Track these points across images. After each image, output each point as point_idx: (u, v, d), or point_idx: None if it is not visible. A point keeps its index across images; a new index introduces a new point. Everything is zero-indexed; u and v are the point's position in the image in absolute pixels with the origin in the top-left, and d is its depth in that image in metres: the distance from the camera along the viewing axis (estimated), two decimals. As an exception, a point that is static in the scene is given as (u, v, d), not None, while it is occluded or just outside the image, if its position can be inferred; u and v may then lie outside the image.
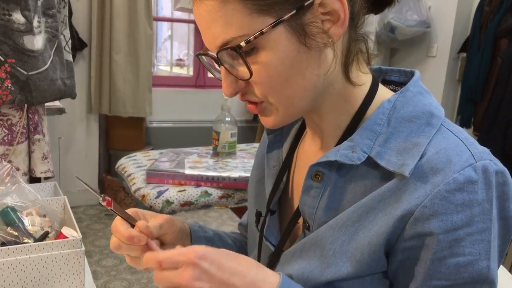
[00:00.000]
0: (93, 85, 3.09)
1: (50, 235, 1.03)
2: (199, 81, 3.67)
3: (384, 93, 0.65)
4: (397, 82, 0.70)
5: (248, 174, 1.39)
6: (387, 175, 0.58)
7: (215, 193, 1.38)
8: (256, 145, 1.91)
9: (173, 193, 1.34)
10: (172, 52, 3.82)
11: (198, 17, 0.58)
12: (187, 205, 1.34)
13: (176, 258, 0.54)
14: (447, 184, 0.53)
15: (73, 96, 1.40)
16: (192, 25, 3.69)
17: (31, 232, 1.01)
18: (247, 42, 0.54)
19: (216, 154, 1.60)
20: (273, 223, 0.73)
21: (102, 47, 3.05)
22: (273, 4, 0.54)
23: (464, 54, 3.14)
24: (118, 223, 0.65)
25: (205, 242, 0.80)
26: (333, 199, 0.62)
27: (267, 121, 0.64)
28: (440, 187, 0.54)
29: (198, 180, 1.38)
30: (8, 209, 1.02)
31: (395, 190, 0.56)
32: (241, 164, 1.48)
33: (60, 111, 2.04)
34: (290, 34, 0.55)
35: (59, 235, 0.95)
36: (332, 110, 0.64)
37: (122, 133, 3.28)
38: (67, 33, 1.37)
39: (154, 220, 0.69)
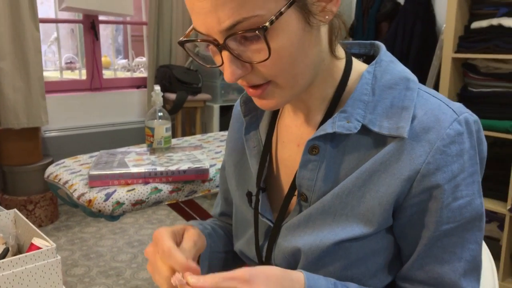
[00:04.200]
0: (-23, 97, 2.79)
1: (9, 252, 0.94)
2: (94, 84, 3.49)
3: (359, 64, 0.71)
4: (358, 54, 0.76)
5: (196, 165, 1.39)
6: (379, 140, 0.65)
7: (165, 188, 1.36)
8: (187, 138, 1.90)
9: (122, 193, 1.29)
10: (60, 55, 3.58)
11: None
12: (139, 204, 1.31)
13: None
14: (442, 140, 0.61)
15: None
16: (80, 26, 3.49)
17: (-15, 252, 0.92)
18: (271, 22, 0.54)
19: (152, 150, 1.56)
20: (264, 200, 0.75)
21: (-17, 54, 2.76)
22: None
23: (351, 39, 3.41)
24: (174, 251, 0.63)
25: (208, 238, 0.81)
26: (330, 169, 0.67)
27: (269, 103, 0.64)
28: (437, 143, 0.61)
29: (146, 178, 1.34)
30: (-47, 230, 0.92)
31: (394, 152, 0.63)
32: (185, 157, 1.47)
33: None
34: (299, 13, 0.57)
35: (31, 247, 0.88)
36: (319, 85, 0.68)
37: (15, 146, 3.00)
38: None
39: (187, 241, 0.69)
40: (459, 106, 0.65)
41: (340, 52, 0.69)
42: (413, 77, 0.67)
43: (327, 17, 0.60)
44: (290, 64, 0.59)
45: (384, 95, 0.65)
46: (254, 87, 0.62)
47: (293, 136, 0.75)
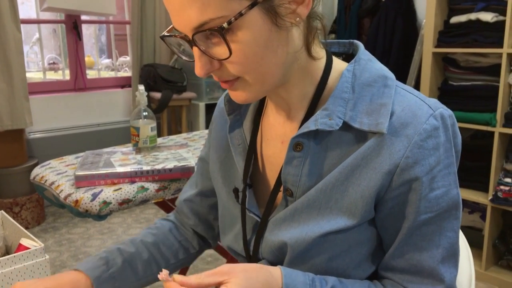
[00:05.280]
0: (-41, 99, 2.76)
1: (-3, 253, 0.95)
2: (78, 84, 3.47)
3: (338, 63, 0.73)
4: (337, 53, 0.78)
5: (182, 163, 1.41)
6: (360, 136, 0.67)
7: (152, 186, 1.37)
8: (173, 137, 1.91)
9: (108, 193, 1.30)
10: (43, 56, 3.55)
11: None
12: (125, 203, 1.32)
13: None
14: (419, 135, 0.64)
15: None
16: (62, 26, 3.47)
17: (-27, 254, 0.93)
18: (229, 23, 0.57)
19: (138, 150, 1.57)
20: (251, 196, 0.77)
21: (-36, 56, 2.73)
22: None
23: (333, 35, 3.44)
24: None
25: (110, 281, 0.80)
26: (313, 165, 0.69)
27: (239, 96, 0.67)
28: (415, 138, 0.64)
29: (132, 177, 1.36)
30: None
31: (374, 147, 0.65)
32: (171, 155, 1.48)
33: None
34: (264, 15, 0.59)
35: (19, 247, 0.88)
36: (297, 83, 0.70)
37: (-1, 149, 2.99)
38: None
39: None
40: (434, 101, 0.68)
41: (319, 51, 0.71)
42: (390, 75, 0.70)
43: (297, 19, 0.62)
44: (256, 63, 0.62)
45: (364, 93, 0.68)
46: (226, 81, 0.66)
47: (276, 133, 0.77)
